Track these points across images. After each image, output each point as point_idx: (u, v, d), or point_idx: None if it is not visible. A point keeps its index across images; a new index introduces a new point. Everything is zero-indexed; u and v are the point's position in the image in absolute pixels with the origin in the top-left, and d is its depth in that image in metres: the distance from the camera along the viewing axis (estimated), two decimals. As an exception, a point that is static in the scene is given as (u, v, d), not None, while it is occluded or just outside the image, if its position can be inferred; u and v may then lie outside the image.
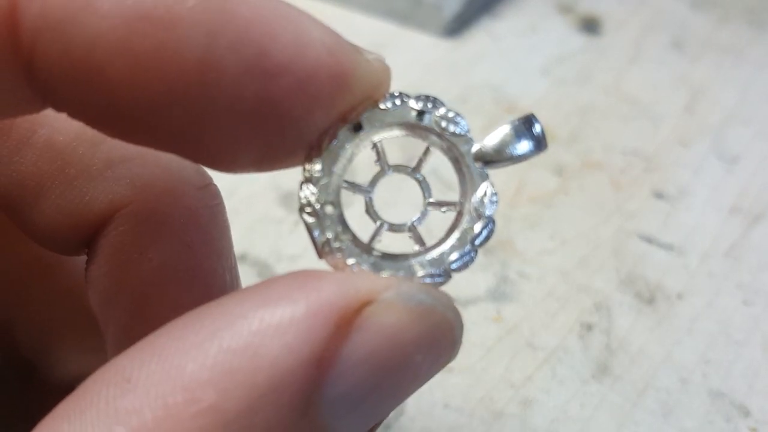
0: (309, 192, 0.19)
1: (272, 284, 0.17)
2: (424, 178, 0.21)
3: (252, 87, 0.18)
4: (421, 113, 0.20)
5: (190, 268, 0.23)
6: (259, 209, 0.45)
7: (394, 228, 0.20)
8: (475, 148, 0.20)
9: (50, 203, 0.23)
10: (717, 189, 0.49)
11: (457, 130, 0.20)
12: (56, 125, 0.22)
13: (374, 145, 0.20)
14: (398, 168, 0.21)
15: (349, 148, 0.19)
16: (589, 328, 0.40)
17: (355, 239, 0.19)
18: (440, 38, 0.60)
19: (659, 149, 0.52)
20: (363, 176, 0.21)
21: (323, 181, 0.19)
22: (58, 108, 0.19)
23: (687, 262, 0.44)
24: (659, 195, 0.49)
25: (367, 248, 0.19)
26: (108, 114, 0.18)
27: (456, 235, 0.20)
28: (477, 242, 0.20)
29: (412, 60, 0.58)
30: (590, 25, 0.63)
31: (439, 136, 0.20)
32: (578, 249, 0.45)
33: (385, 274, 0.19)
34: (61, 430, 0.16)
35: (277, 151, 0.19)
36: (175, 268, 0.23)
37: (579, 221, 0.46)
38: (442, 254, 0.19)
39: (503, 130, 0.20)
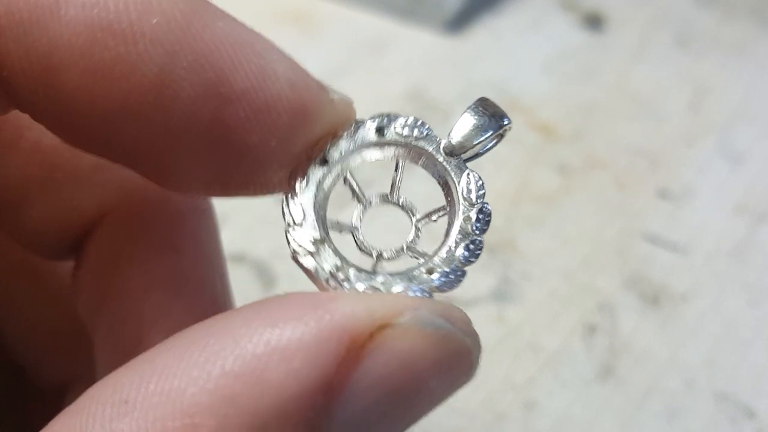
0: (297, 235, 0.19)
1: (281, 303, 0.17)
2: (404, 200, 0.21)
3: (207, 110, 0.18)
4: (380, 130, 0.20)
5: (179, 273, 0.23)
6: (258, 209, 0.45)
7: (392, 256, 0.20)
8: (444, 144, 0.20)
9: (37, 207, 0.23)
10: (722, 188, 0.49)
11: (422, 134, 0.20)
12: (43, 128, 0.22)
13: (345, 180, 0.20)
14: (377, 198, 0.21)
15: (322, 183, 0.19)
16: (592, 329, 0.40)
17: (357, 267, 0.19)
18: (441, 35, 0.60)
19: (663, 148, 0.52)
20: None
21: (309, 221, 0.19)
22: (23, 110, 0.19)
23: (691, 262, 0.44)
24: (663, 194, 0.48)
25: (372, 272, 0.19)
26: (65, 119, 0.18)
27: (456, 229, 0.19)
28: (478, 228, 0.19)
29: (412, 57, 0.58)
30: (594, 22, 0.62)
31: (405, 146, 0.20)
32: (581, 249, 0.44)
33: (398, 288, 0.18)
34: None
35: (231, 177, 0.19)
36: (163, 273, 0.23)
37: (582, 221, 0.46)
38: (449, 251, 0.19)
39: (464, 120, 0.20)
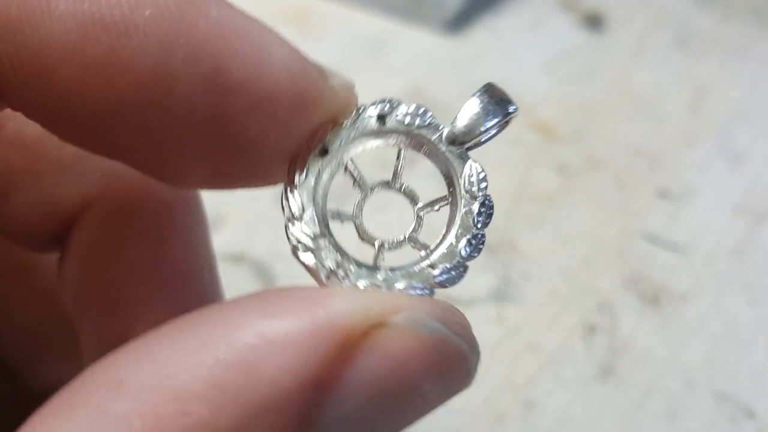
0: (298, 231, 0.18)
1: (278, 296, 0.17)
2: (406, 186, 0.20)
3: (205, 103, 0.17)
4: (381, 117, 0.19)
5: (165, 264, 0.23)
6: (258, 209, 0.45)
7: (394, 245, 0.20)
8: (446, 133, 0.19)
9: (20, 198, 0.23)
10: (722, 188, 0.49)
11: (425, 122, 0.19)
12: (25, 119, 0.21)
13: (346, 168, 0.20)
14: (378, 185, 0.20)
15: (322, 174, 0.19)
16: (592, 329, 0.40)
17: (357, 262, 0.19)
18: (441, 35, 0.60)
19: (663, 148, 0.52)
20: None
21: (308, 215, 0.19)
22: (15, 108, 0.19)
23: (691, 262, 0.44)
24: (663, 194, 0.48)
25: (373, 268, 0.19)
26: (59, 117, 0.18)
27: (458, 223, 0.19)
28: (480, 221, 0.19)
29: (412, 57, 0.58)
30: (593, 22, 0.62)
31: (406, 134, 0.19)
32: (581, 249, 0.44)
33: (399, 285, 0.18)
34: (51, 428, 0.15)
35: (231, 169, 0.19)
36: (148, 264, 0.23)
37: (582, 221, 0.46)
38: (450, 246, 0.19)
39: (470, 106, 0.19)
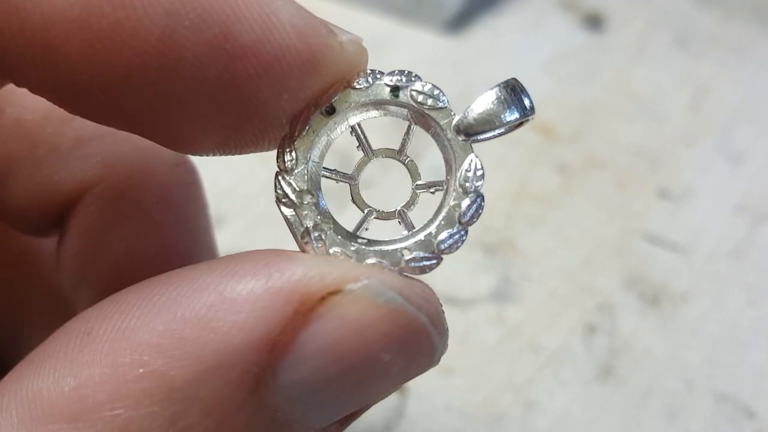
0: (284, 183, 0.19)
1: (245, 258, 0.17)
2: (410, 160, 0.20)
3: (215, 68, 0.17)
4: (395, 89, 0.19)
5: (161, 248, 0.23)
6: (258, 209, 0.45)
7: (382, 215, 0.19)
8: (456, 120, 0.19)
9: (19, 183, 0.23)
10: (722, 188, 0.49)
11: (437, 104, 0.19)
12: (25, 104, 0.21)
13: (353, 129, 0.19)
14: (382, 152, 0.20)
15: (323, 133, 0.19)
16: (592, 329, 0.40)
17: (336, 227, 0.18)
18: (441, 35, 0.60)
19: (663, 148, 0.51)
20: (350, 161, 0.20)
21: (298, 170, 0.19)
22: (19, 84, 0.18)
23: (691, 263, 0.44)
24: (663, 194, 0.48)
25: (350, 236, 0.18)
26: (67, 91, 0.18)
27: (443, 213, 0.19)
28: (465, 219, 0.18)
29: (412, 57, 0.57)
30: (593, 22, 0.62)
31: (418, 111, 0.19)
32: (581, 249, 0.44)
33: (369, 262, 0.18)
34: (25, 373, 0.16)
35: (243, 134, 0.19)
36: (145, 249, 0.23)
37: (582, 221, 0.46)
38: (429, 235, 0.18)
39: (488, 98, 0.19)
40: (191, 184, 0.24)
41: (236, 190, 0.46)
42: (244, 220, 0.44)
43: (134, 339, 0.16)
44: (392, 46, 0.58)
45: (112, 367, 0.16)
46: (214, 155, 0.19)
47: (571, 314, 0.40)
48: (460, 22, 0.60)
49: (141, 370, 0.16)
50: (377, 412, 0.36)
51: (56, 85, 0.18)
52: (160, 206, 0.23)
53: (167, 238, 0.23)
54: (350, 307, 0.16)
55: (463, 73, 0.57)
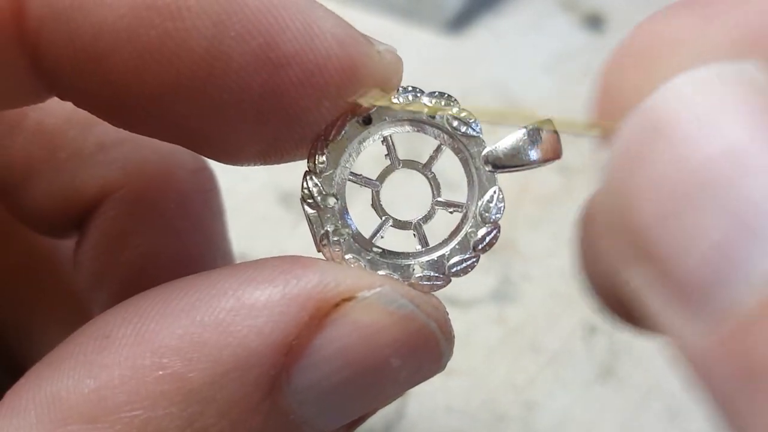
0: (312, 183, 0.19)
1: (263, 264, 0.17)
2: (434, 176, 0.21)
3: (259, 78, 0.17)
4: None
5: (178, 255, 0.23)
6: (259, 209, 0.45)
7: (399, 225, 0.20)
8: (486, 151, 0.20)
9: (40, 187, 0.23)
10: (722, 188, 0.49)
11: (469, 131, 0.20)
12: (47, 108, 0.22)
13: (384, 139, 0.20)
14: (409, 163, 0.20)
15: (356, 141, 0.19)
16: (592, 330, 0.40)
17: (355, 234, 0.19)
18: (442, 35, 0.60)
19: (663, 148, 0.51)
20: (370, 170, 0.20)
21: (327, 173, 0.19)
22: (63, 97, 0.19)
23: (692, 263, 0.44)
24: (663, 194, 0.48)
25: (367, 244, 0.19)
26: (114, 103, 0.18)
27: (459, 238, 0.19)
28: (479, 248, 0.19)
29: (412, 57, 0.57)
30: (594, 22, 0.62)
31: (451, 135, 0.20)
32: (581, 249, 0.44)
33: (381, 273, 0.19)
34: (43, 374, 0.16)
35: (284, 143, 0.19)
36: (162, 254, 0.23)
37: (582, 221, 0.46)
38: (442, 257, 0.19)
39: (517, 136, 0.19)
40: (210, 190, 0.24)
41: (236, 189, 0.46)
42: (245, 220, 0.44)
43: (154, 342, 0.16)
44: (392, 46, 0.58)
45: (132, 369, 0.16)
46: (255, 164, 0.20)
47: (572, 315, 0.40)
48: (460, 22, 0.60)
49: (160, 372, 0.16)
50: (378, 412, 0.36)
51: (103, 98, 0.18)
52: (179, 212, 0.24)
53: (185, 243, 0.24)
54: (363, 312, 0.17)
55: (463, 74, 0.57)
